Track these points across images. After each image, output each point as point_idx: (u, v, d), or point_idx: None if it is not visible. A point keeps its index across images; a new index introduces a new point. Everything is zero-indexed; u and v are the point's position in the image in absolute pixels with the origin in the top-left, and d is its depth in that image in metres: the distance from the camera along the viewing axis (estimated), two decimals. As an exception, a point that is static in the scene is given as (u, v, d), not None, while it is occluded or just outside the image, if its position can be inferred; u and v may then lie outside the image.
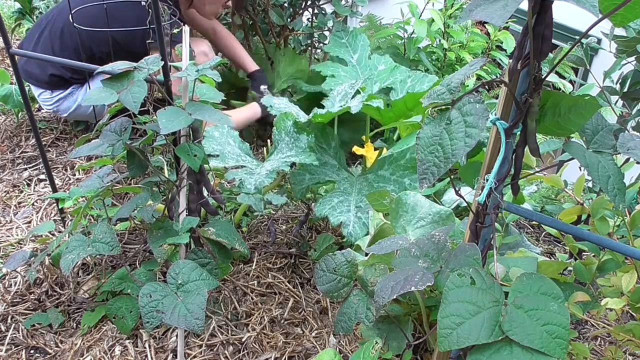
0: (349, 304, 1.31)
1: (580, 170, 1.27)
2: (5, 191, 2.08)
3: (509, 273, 1.02)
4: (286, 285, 1.71)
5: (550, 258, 1.81)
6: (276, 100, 1.93)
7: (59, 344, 1.47)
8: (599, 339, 1.63)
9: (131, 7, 2.02)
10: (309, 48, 2.87)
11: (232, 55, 2.61)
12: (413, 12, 2.88)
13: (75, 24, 1.69)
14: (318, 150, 1.84)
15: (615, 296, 1.11)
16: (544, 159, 1.89)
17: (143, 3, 1.32)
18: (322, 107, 1.87)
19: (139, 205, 1.46)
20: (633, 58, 1.74)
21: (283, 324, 1.57)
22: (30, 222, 1.93)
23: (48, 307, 1.57)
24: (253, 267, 1.76)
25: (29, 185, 2.13)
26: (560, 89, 2.31)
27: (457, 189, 1.06)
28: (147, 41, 1.41)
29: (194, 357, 1.45)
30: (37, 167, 2.23)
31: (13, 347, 1.46)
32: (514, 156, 0.95)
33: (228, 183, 2.11)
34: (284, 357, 1.46)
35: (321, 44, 2.88)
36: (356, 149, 2.19)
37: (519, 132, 0.93)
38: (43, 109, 2.51)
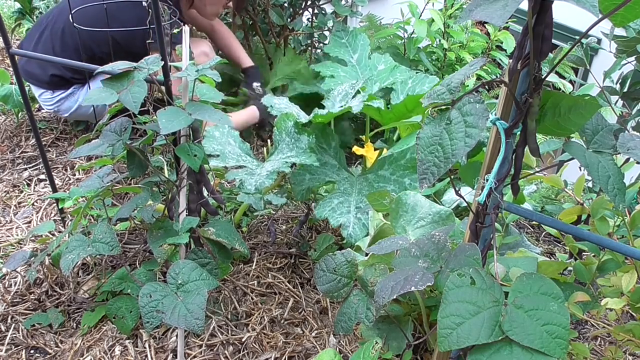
0: (349, 304, 1.31)
1: (580, 170, 1.27)
2: (5, 191, 2.08)
3: (509, 273, 1.02)
4: (286, 285, 1.71)
5: (550, 258, 1.81)
6: (276, 100, 1.93)
7: (59, 344, 1.47)
8: (599, 339, 1.63)
9: (131, 7, 2.02)
10: (309, 48, 2.87)
11: (227, 51, 2.61)
12: (413, 12, 2.88)
13: (75, 24, 1.69)
14: (318, 151, 1.84)
15: (615, 296, 1.11)
16: (544, 159, 1.89)
17: (144, 4, 1.32)
18: (317, 108, 1.87)
19: (139, 205, 1.46)
20: (633, 58, 1.74)
21: (283, 324, 1.57)
22: (30, 222, 1.93)
23: (48, 307, 1.57)
24: (253, 267, 1.76)
25: (29, 185, 2.13)
26: (560, 89, 2.31)
27: (457, 189, 1.06)
28: (147, 41, 1.41)
29: (194, 357, 1.45)
30: (37, 167, 2.23)
31: (13, 347, 1.46)
32: (514, 156, 0.95)
33: (228, 183, 2.12)
34: (284, 357, 1.46)
35: (321, 44, 2.88)
36: (356, 149, 2.19)
37: (519, 132, 0.93)
38: (43, 109, 2.51)
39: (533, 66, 0.84)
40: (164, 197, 1.53)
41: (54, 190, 1.85)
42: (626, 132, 0.98)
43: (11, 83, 2.42)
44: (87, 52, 2.11)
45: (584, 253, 1.56)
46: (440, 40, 2.99)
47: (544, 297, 0.88)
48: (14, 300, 1.59)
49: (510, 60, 0.89)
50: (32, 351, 1.46)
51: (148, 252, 1.73)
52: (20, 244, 1.82)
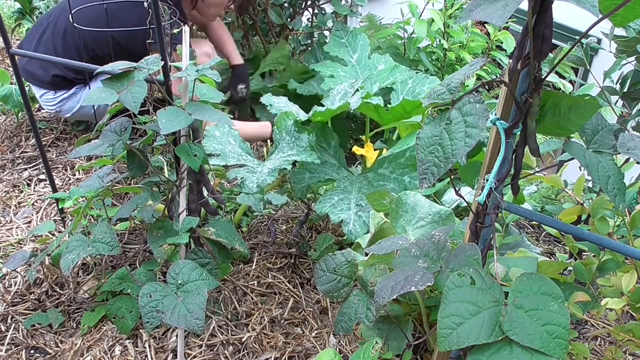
0: (349, 304, 1.31)
1: (580, 170, 1.27)
2: (5, 191, 2.08)
3: (509, 273, 1.02)
4: (286, 285, 1.71)
5: (550, 258, 1.81)
6: (276, 99, 1.93)
7: (59, 344, 1.47)
8: (599, 339, 1.63)
9: (132, 7, 2.02)
10: (309, 48, 2.87)
11: (219, 46, 2.60)
12: (413, 12, 2.88)
13: (75, 24, 1.69)
14: (318, 150, 1.84)
15: (615, 296, 1.11)
16: (544, 159, 1.89)
17: (145, 5, 1.32)
18: (316, 106, 1.87)
19: (139, 205, 1.46)
20: (633, 58, 1.74)
21: (283, 324, 1.57)
22: (30, 222, 1.93)
23: (48, 307, 1.57)
24: (253, 267, 1.76)
25: (29, 185, 2.13)
26: (560, 89, 2.31)
27: (457, 189, 1.06)
28: (147, 41, 1.41)
29: (194, 357, 1.45)
30: (37, 167, 2.23)
31: (13, 347, 1.46)
32: (514, 156, 0.95)
33: (228, 183, 2.12)
34: (284, 357, 1.46)
35: (326, 39, 2.87)
36: (356, 149, 2.19)
37: (519, 132, 0.93)
38: (43, 109, 2.51)
39: (533, 66, 0.84)
40: (164, 197, 1.53)
41: (54, 190, 1.85)
42: (626, 132, 0.98)
43: (11, 83, 2.42)
44: (88, 53, 2.11)
45: (584, 253, 1.56)
46: (440, 40, 2.99)
47: (544, 297, 0.88)
48: (14, 300, 1.59)
49: (510, 60, 0.89)
50: (32, 351, 1.46)
51: (148, 252, 1.73)
52: (20, 244, 1.82)
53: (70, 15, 1.71)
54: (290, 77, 2.60)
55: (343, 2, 2.67)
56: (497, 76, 2.99)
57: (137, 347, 1.47)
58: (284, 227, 1.98)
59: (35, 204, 2.02)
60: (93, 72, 1.92)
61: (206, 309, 1.46)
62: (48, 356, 1.44)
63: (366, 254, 1.38)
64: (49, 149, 2.36)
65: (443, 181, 1.84)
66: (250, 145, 1.88)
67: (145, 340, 1.48)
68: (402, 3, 2.92)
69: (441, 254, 1.07)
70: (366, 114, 2.11)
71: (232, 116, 2.41)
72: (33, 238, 1.82)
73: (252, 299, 1.65)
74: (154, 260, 1.53)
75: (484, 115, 0.84)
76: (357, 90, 1.85)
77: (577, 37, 1.07)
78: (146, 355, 1.44)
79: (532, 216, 1.03)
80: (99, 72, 1.37)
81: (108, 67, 1.31)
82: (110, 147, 1.38)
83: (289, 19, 2.73)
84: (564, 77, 2.62)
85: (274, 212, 2.02)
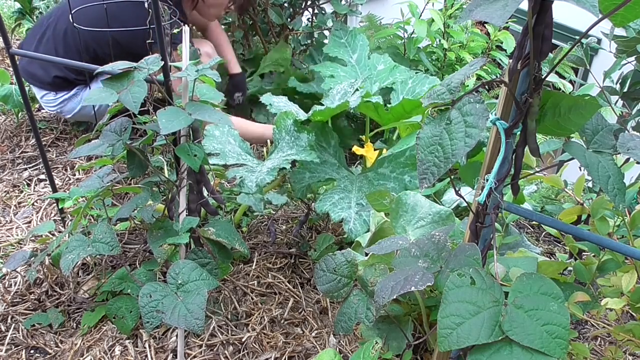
0: (349, 304, 1.31)
1: (580, 170, 1.27)
2: (5, 191, 2.08)
3: (509, 273, 1.02)
4: (286, 285, 1.71)
5: (550, 258, 1.81)
6: (275, 99, 1.93)
7: (59, 344, 1.47)
8: (599, 339, 1.63)
9: (133, 8, 2.02)
10: (309, 48, 2.87)
11: (218, 53, 2.60)
12: (413, 12, 2.88)
13: (75, 25, 1.69)
14: (318, 149, 1.84)
15: (615, 296, 1.11)
16: (544, 159, 1.89)
17: (146, 5, 1.32)
18: (315, 105, 1.87)
19: (139, 205, 1.46)
20: (633, 58, 1.74)
21: (283, 324, 1.57)
22: (30, 222, 1.93)
23: (48, 307, 1.57)
24: (253, 267, 1.76)
25: (29, 185, 2.13)
26: (560, 89, 2.31)
27: (457, 189, 1.06)
28: (147, 41, 1.41)
29: (194, 357, 1.45)
30: (37, 167, 2.23)
31: (13, 347, 1.46)
32: (514, 156, 0.95)
33: (228, 183, 2.12)
34: (284, 357, 1.46)
35: (325, 40, 2.87)
36: (356, 149, 2.19)
37: (519, 132, 0.93)
38: (43, 109, 2.51)
39: (533, 66, 0.84)
40: (164, 197, 1.53)
41: (54, 190, 1.85)
42: (626, 132, 0.98)
43: (11, 83, 2.42)
44: (89, 54, 2.11)
45: (584, 253, 1.56)
46: (440, 40, 2.99)
47: (544, 297, 0.88)
48: (14, 300, 1.59)
49: (510, 60, 0.89)
50: (32, 351, 1.46)
51: (148, 252, 1.73)
52: (20, 244, 1.82)
53: (70, 16, 1.71)
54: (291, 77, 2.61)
55: (343, 2, 2.66)
56: (497, 76, 3.00)
57: (137, 347, 1.47)
58: (284, 227, 1.98)
59: (35, 204, 2.02)
60: (93, 73, 1.92)
61: (206, 309, 1.46)
62: (48, 356, 1.44)
63: (366, 254, 1.38)
64: (49, 149, 2.36)
65: (443, 181, 1.84)
66: (250, 145, 1.88)
67: (145, 340, 1.48)
68: (402, 3, 2.92)
69: (441, 254, 1.07)
70: (366, 114, 2.11)
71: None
72: (33, 238, 1.82)
73: (252, 299, 1.65)
74: (154, 260, 1.53)
75: (484, 115, 0.84)
76: (357, 90, 1.85)
77: (577, 37, 1.07)
78: (146, 355, 1.44)
79: (532, 216, 1.03)
80: (100, 73, 1.37)
81: (108, 67, 1.31)
82: (110, 147, 1.38)
83: (288, 19, 2.73)
84: (564, 77, 2.62)
85: (274, 212, 2.02)
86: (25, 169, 2.22)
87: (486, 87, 0.93)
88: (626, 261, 1.17)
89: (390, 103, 2.16)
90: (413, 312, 1.41)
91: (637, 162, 1.01)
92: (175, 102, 1.35)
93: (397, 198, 1.41)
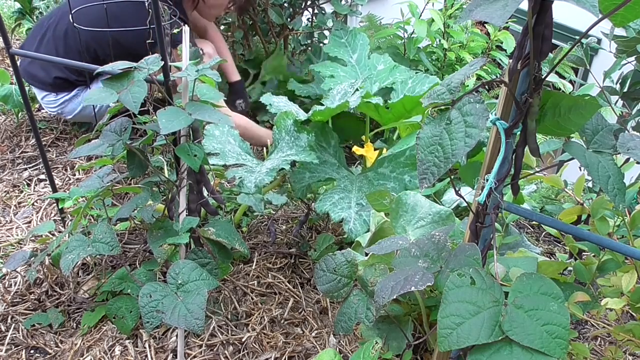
0: (349, 304, 1.31)
1: (580, 170, 1.27)
2: (5, 191, 2.08)
3: (509, 273, 1.02)
4: (286, 285, 1.71)
5: (550, 258, 1.81)
6: (275, 99, 1.93)
7: (59, 344, 1.47)
8: (599, 339, 1.63)
9: (135, 8, 2.02)
10: (309, 48, 2.87)
11: (215, 67, 2.60)
12: (413, 12, 2.88)
13: (75, 24, 1.69)
14: (318, 149, 1.84)
15: (615, 296, 1.11)
16: (544, 159, 1.89)
17: (146, 5, 1.32)
18: (315, 106, 1.87)
19: (139, 205, 1.46)
20: (633, 58, 1.74)
21: (283, 324, 1.57)
22: (30, 222, 1.93)
23: (48, 307, 1.57)
24: (253, 267, 1.76)
25: (29, 185, 2.13)
26: (560, 89, 2.31)
27: (457, 189, 1.06)
28: (147, 41, 1.41)
29: (194, 357, 1.45)
30: (37, 167, 2.23)
31: (13, 347, 1.46)
32: (514, 156, 0.95)
33: (228, 183, 2.12)
34: (284, 357, 1.46)
35: (321, 44, 2.88)
36: (356, 149, 2.19)
37: (519, 132, 0.93)
38: (44, 109, 2.51)
39: (533, 66, 0.84)
40: (164, 197, 1.53)
41: (54, 190, 1.85)
42: (626, 132, 0.98)
43: (11, 83, 2.42)
44: (90, 54, 2.11)
45: (584, 253, 1.56)
46: (440, 40, 2.99)
47: (544, 297, 0.88)
48: (14, 300, 1.59)
49: (510, 60, 0.89)
50: (32, 351, 1.46)
51: (148, 252, 1.73)
52: (20, 244, 1.82)
53: (70, 16, 1.71)
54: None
55: (343, 2, 2.66)
56: (497, 76, 3.00)
57: (137, 347, 1.47)
58: (284, 227, 1.98)
59: (35, 204, 2.02)
60: (93, 73, 1.92)
61: (206, 309, 1.46)
62: (48, 356, 1.44)
63: (366, 254, 1.38)
64: (49, 149, 2.36)
65: (443, 181, 1.84)
66: (250, 146, 1.88)
67: (145, 340, 1.48)
68: (402, 3, 2.92)
69: (441, 254, 1.07)
70: (366, 114, 2.11)
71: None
72: (33, 238, 1.82)
73: (252, 299, 1.65)
74: (154, 260, 1.53)
75: (484, 115, 0.84)
76: (357, 90, 1.85)
77: (577, 37, 1.07)
78: (146, 355, 1.44)
79: (532, 216, 1.03)
80: (100, 74, 1.37)
81: (108, 67, 1.31)
82: (110, 147, 1.38)
83: (288, 19, 2.73)
84: (564, 77, 2.62)
85: (274, 212, 2.02)
86: (25, 169, 2.22)
87: (486, 87, 0.93)
88: (626, 261, 1.17)
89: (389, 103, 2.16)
90: (413, 312, 1.41)
91: (637, 162, 1.01)
92: (175, 102, 1.35)
93: (397, 198, 1.41)
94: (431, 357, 1.33)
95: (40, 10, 3.06)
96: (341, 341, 1.51)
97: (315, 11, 2.73)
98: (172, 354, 1.45)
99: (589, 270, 1.22)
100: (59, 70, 2.21)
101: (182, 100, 1.37)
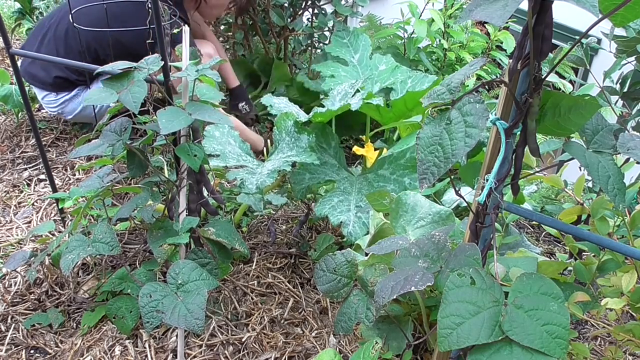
0: (349, 304, 1.31)
1: (580, 170, 1.27)
2: (5, 191, 2.08)
3: (509, 273, 1.02)
4: (286, 285, 1.71)
5: (550, 258, 1.81)
6: (276, 100, 1.93)
7: (59, 344, 1.47)
8: (599, 339, 1.63)
9: (136, 8, 2.02)
10: (309, 48, 2.87)
11: (216, 67, 2.61)
12: (413, 12, 2.88)
13: (75, 25, 1.69)
14: (318, 150, 1.84)
15: (615, 296, 1.11)
16: (544, 159, 1.89)
17: (147, 4, 1.32)
18: (316, 107, 1.88)
19: (139, 205, 1.46)
20: (633, 58, 1.74)
21: (283, 324, 1.57)
22: (30, 222, 1.93)
23: (48, 307, 1.57)
24: (253, 267, 1.76)
25: (29, 185, 2.13)
26: (560, 89, 2.31)
27: (457, 189, 1.06)
28: (147, 41, 1.41)
29: (194, 357, 1.45)
30: (37, 167, 2.23)
31: (13, 347, 1.46)
32: (514, 156, 0.95)
33: (228, 183, 2.12)
34: (284, 357, 1.46)
35: (321, 44, 2.88)
36: (356, 149, 2.19)
37: (519, 132, 0.93)
38: (44, 109, 2.51)
39: (533, 66, 0.84)
40: (164, 197, 1.53)
41: (54, 190, 1.85)
42: (626, 132, 0.98)
43: (11, 83, 2.42)
44: (90, 55, 2.11)
45: (584, 253, 1.56)
46: (440, 40, 2.99)
47: (544, 297, 0.88)
48: (14, 300, 1.59)
49: (510, 60, 0.89)
50: (32, 351, 1.46)
51: (148, 252, 1.73)
52: (20, 244, 1.82)
53: (70, 16, 1.71)
54: (296, 92, 2.66)
55: (344, 3, 2.66)
56: (497, 76, 3.00)
57: (137, 347, 1.47)
58: (284, 227, 1.98)
59: (35, 204, 2.02)
60: (94, 73, 1.92)
61: (206, 309, 1.46)
62: (48, 356, 1.44)
63: (366, 254, 1.38)
64: (49, 149, 2.36)
65: (443, 181, 1.84)
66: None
67: (145, 340, 1.48)
68: (402, 3, 2.92)
69: (441, 254, 1.07)
70: (367, 113, 2.11)
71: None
72: (33, 238, 1.82)
73: (252, 299, 1.65)
74: (154, 260, 1.53)
75: (484, 115, 0.84)
76: (358, 90, 1.85)
77: (577, 37, 1.07)
78: (146, 355, 1.44)
79: (532, 216, 1.03)
80: (100, 74, 1.37)
81: (108, 67, 1.31)
82: (110, 147, 1.38)
83: (289, 20, 2.73)
84: (564, 77, 2.62)
85: (274, 212, 2.02)
86: (25, 169, 2.22)
87: (486, 87, 0.93)
88: (626, 261, 1.17)
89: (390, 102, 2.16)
90: (413, 312, 1.41)
91: (637, 162, 1.01)
92: (175, 102, 1.35)
93: (397, 198, 1.41)
94: (431, 357, 1.33)
95: (40, 10, 3.06)
96: (341, 341, 1.51)
97: (316, 12, 2.73)
98: (172, 354, 1.45)
99: (589, 270, 1.22)
100: (59, 70, 2.21)
101: (182, 100, 1.37)
